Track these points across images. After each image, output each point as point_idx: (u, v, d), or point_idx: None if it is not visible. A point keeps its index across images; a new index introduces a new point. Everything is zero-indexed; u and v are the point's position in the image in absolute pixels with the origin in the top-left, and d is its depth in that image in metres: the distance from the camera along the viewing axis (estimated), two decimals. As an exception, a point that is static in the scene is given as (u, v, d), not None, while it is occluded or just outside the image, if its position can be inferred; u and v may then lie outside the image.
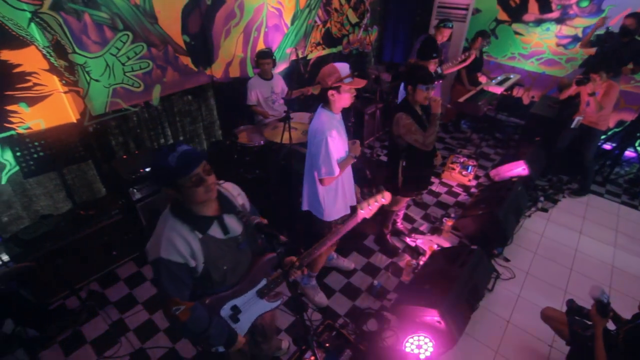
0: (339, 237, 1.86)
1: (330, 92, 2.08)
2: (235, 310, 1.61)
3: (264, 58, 3.61)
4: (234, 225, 1.53)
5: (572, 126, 3.81)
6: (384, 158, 4.63)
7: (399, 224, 3.53)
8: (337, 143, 2.15)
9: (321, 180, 2.22)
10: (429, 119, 2.61)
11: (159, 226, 1.40)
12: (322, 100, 2.18)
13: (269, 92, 3.77)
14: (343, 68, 2.07)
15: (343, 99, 2.11)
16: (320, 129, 2.12)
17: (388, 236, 3.38)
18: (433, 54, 3.40)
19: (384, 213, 3.21)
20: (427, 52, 3.45)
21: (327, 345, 2.40)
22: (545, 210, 3.94)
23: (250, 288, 1.64)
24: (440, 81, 4.02)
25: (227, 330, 1.57)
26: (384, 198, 1.92)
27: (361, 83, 2.11)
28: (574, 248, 3.46)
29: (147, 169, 2.95)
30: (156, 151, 1.31)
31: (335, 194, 2.36)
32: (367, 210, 1.88)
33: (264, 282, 1.68)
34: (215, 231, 1.46)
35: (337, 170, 2.16)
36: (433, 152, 2.79)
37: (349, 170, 2.42)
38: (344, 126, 2.35)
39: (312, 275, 2.79)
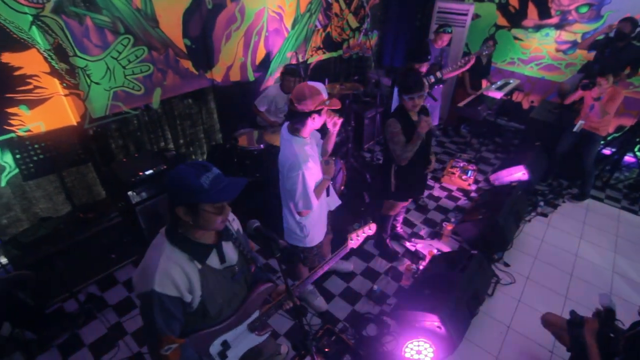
0: (328, 268, 1.81)
1: (312, 117, 1.94)
2: (225, 346, 1.50)
3: (292, 75, 3.58)
4: (231, 254, 1.44)
5: (575, 130, 3.81)
6: (383, 162, 4.64)
7: (398, 229, 3.52)
8: (313, 172, 2.04)
9: (299, 213, 2.14)
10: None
11: (152, 254, 1.26)
12: (295, 126, 2.00)
13: (283, 104, 3.77)
14: (322, 89, 1.94)
15: (320, 121, 2.00)
16: (294, 164, 1.96)
17: (387, 241, 3.38)
18: (423, 56, 3.37)
19: (382, 218, 3.21)
20: (416, 55, 3.40)
21: (327, 350, 2.39)
22: (545, 215, 3.94)
23: (242, 321, 1.55)
24: (441, 86, 4.03)
25: None
26: (371, 229, 1.90)
27: (338, 104, 2.00)
28: (574, 253, 3.45)
29: (148, 172, 2.95)
30: (183, 165, 1.20)
31: (316, 218, 2.28)
32: (356, 241, 1.86)
33: (256, 314, 1.59)
34: (212, 260, 1.36)
35: (315, 202, 2.08)
36: (426, 158, 2.77)
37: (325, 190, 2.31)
38: (316, 143, 2.23)
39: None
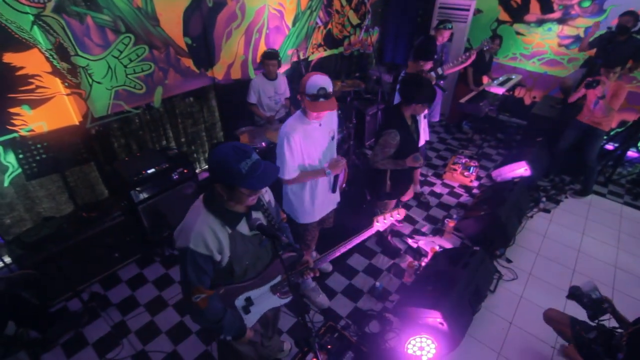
0: (354, 244, 1.88)
1: (298, 96, 2.07)
2: (249, 302, 1.65)
3: (270, 59, 3.61)
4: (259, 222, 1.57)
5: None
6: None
7: (398, 226, 3.53)
8: (302, 149, 2.13)
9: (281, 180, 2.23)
10: (417, 129, 2.74)
11: (192, 216, 1.43)
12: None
13: (272, 92, 3.78)
14: (314, 84, 1.98)
15: (310, 111, 2.05)
16: (283, 131, 2.11)
17: (389, 237, 3.38)
18: (430, 54, 3.33)
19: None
20: (423, 52, 3.35)
21: (329, 347, 2.40)
22: (547, 210, 3.93)
23: (266, 283, 1.69)
24: (442, 82, 4.02)
25: (238, 324, 1.63)
26: (399, 214, 1.95)
27: (324, 108, 2.02)
28: (576, 249, 3.45)
29: (150, 171, 2.95)
30: (226, 147, 1.31)
31: (302, 199, 2.36)
32: (382, 223, 1.91)
33: (278, 278, 1.71)
34: (242, 227, 1.50)
35: (288, 174, 2.14)
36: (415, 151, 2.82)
37: (325, 180, 2.36)
38: (329, 137, 2.30)
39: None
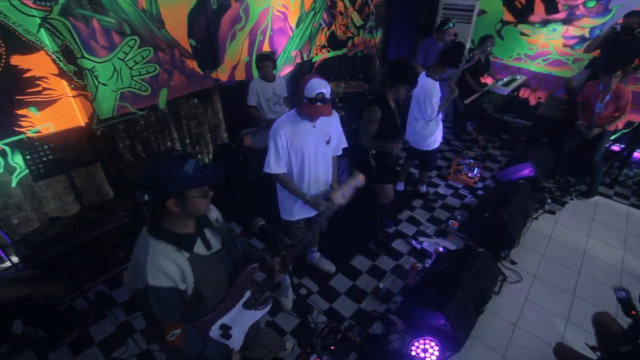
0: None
1: (302, 100, 2.07)
2: (225, 328, 1.57)
3: (264, 60, 3.65)
4: (214, 240, 1.49)
5: (589, 135, 3.78)
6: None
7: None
8: (290, 145, 2.16)
9: (274, 176, 2.27)
10: (400, 114, 2.83)
11: (139, 252, 1.31)
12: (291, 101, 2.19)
13: (270, 94, 3.80)
14: (312, 88, 1.98)
15: (306, 113, 2.08)
16: (273, 127, 2.15)
17: (380, 232, 3.45)
18: (457, 63, 3.24)
19: (378, 209, 3.33)
20: (451, 59, 3.18)
21: (333, 348, 2.40)
22: (552, 212, 3.91)
23: (235, 303, 1.59)
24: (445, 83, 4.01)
25: (222, 351, 1.55)
26: (358, 180, 1.99)
27: (321, 113, 2.04)
28: (582, 251, 3.42)
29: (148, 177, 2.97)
30: (163, 160, 1.27)
31: (284, 194, 2.40)
32: (342, 196, 1.95)
33: (248, 294, 1.63)
34: (199, 248, 1.42)
35: (268, 167, 2.19)
36: (400, 138, 2.91)
37: (318, 179, 2.37)
38: (323, 140, 2.27)
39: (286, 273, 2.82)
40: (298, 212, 2.47)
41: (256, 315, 1.67)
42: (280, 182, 2.31)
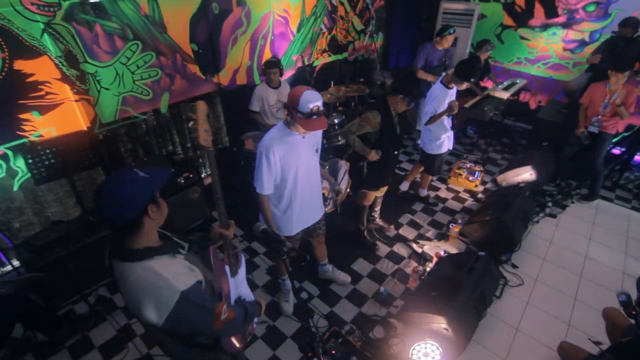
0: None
1: (285, 112, 2.02)
2: (239, 300, 1.62)
3: (271, 67, 3.62)
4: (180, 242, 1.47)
5: (592, 130, 3.78)
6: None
7: (377, 220, 3.63)
8: (282, 162, 2.07)
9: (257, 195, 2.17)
10: (401, 124, 2.87)
11: (146, 283, 1.19)
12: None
13: (275, 100, 3.80)
14: (307, 102, 1.90)
15: (298, 126, 1.99)
16: (264, 144, 2.04)
17: (365, 233, 3.45)
18: (471, 77, 3.18)
19: (357, 209, 3.35)
20: (467, 73, 3.14)
21: (333, 352, 2.39)
22: (553, 216, 3.90)
23: (228, 281, 1.60)
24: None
25: (254, 304, 1.61)
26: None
27: (318, 127, 1.96)
28: (583, 254, 3.41)
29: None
30: (117, 179, 1.19)
31: (278, 210, 2.29)
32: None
33: (227, 267, 1.63)
34: (181, 249, 1.39)
35: (261, 188, 2.11)
36: (397, 148, 2.97)
37: (310, 189, 2.33)
38: (312, 150, 2.24)
39: (282, 276, 2.78)
40: (297, 225, 2.39)
41: (242, 272, 1.69)
42: (260, 203, 2.21)
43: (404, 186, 4.16)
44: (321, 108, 1.95)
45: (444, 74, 3.89)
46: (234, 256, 1.60)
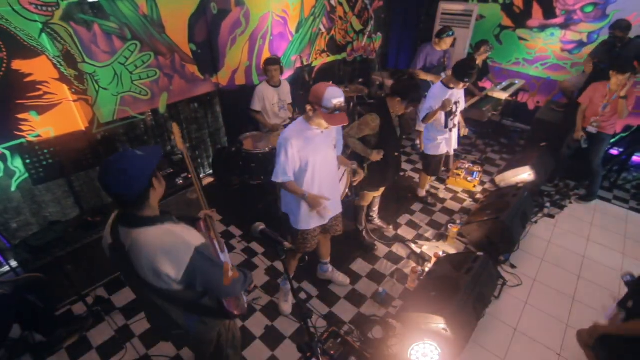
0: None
1: (308, 107, 2.07)
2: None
3: (272, 64, 3.62)
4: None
5: (590, 130, 3.79)
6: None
7: (376, 220, 3.62)
8: (301, 155, 2.15)
9: (280, 184, 2.24)
10: (401, 125, 2.88)
11: (164, 242, 1.30)
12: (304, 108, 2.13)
13: (275, 99, 3.80)
14: (331, 98, 1.98)
15: (319, 121, 2.08)
16: (283, 136, 2.13)
17: (364, 232, 3.44)
18: (465, 77, 3.15)
19: (355, 209, 3.36)
20: (461, 74, 3.14)
21: (332, 352, 2.39)
22: (552, 216, 3.91)
23: (217, 252, 1.70)
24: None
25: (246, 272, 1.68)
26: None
27: (340, 121, 2.04)
28: (581, 254, 3.42)
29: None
30: (120, 157, 1.28)
31: (299, 203, 2.34)
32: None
33: (215, 243, 1.74)
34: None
35: (276, 176, 2.18)
36: (398, 149, 2.97)
37: (328, 183, 2.37)
38: (331, 145, 2.31)
39: (286, 278, 2.77)
40: (314, 219, 2.42)
41: (226, 257, 1.79)
42: (286, 189, 2.28)
43: (420, 193, 4.16)
44: (343, 103, 2.03)
45: (443, 74, 3.91)
46: (219, 237, 1.73)
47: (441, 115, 3.34)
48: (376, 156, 2.75)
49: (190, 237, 1.34)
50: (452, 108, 3.27)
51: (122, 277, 1.65)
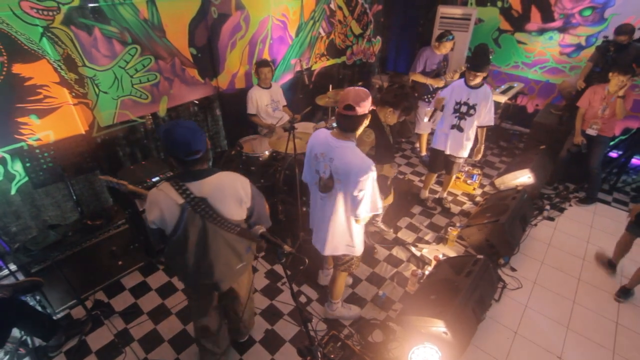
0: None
1: (367, 116, 1.92)
2: None
3: (264, 66, 3.71)
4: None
5: (591, 133, 3.80)
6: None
7: (379, 223, 3.62)
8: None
9: (357, 220, 2.08)
10: (401, 129, 2.89)
11: (233, 180, 1.71)
12: (353, 127, 1.90)
13: (268, 100, 3.88)
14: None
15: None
16: (364, 167, 1.86)
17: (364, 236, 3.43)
18: (486, 65, 3.13)
19: None
20: (479, 63, 3.11)
21: (333, 356, 2.38)
22: (551, 219, 3.91)
23: None
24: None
25: None
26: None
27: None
28: (581, 257, 3.42)
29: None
30: (184, 125, 1.52)
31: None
32: None
33: None
34: None
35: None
36: (392, 158, 2.94)
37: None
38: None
39: (333, 302, 2.68)
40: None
41: None
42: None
43: (423, 194, 4.16)
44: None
45: (443, 78, 3.93)
46: None
47: (447, 109, 3.39)
48: (389, 170, 2.72)
49: (242, 177, 1.74)
50: (457, 107, 3.31)
51: (190, 233, 1.68)
